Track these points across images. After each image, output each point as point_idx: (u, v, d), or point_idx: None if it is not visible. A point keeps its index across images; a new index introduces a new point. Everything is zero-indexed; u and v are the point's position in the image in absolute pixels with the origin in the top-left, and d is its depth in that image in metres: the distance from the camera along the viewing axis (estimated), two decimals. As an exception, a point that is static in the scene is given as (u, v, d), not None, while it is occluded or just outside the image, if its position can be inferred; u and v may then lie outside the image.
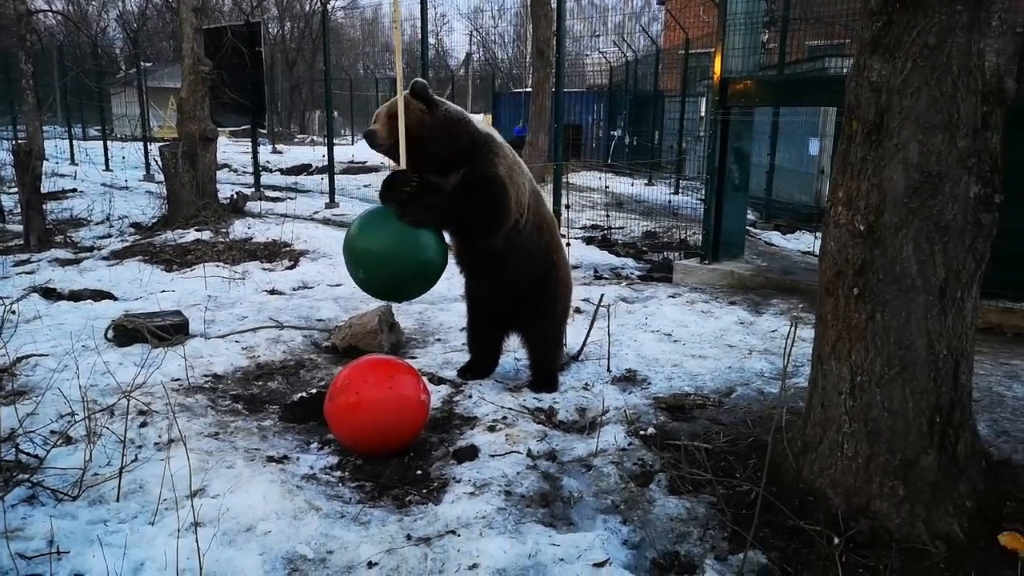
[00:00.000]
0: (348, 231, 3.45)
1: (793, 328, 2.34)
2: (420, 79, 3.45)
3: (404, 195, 3.32)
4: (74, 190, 12.62)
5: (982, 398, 3.59)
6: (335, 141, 12.50)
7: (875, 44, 2.44)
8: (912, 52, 2.35)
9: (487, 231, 3.54)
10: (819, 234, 8.42)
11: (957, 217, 2.38)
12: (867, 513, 2.48)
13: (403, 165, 3.35)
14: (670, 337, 4.88)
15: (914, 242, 2.40)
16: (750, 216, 9.80)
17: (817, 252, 7.66)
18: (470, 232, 3.57)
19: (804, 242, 8.75)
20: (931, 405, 2.45)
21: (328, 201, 11.43)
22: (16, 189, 9.35)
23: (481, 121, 3.64)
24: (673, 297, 5.92)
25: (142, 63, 17.99)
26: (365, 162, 19.28)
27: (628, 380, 4.10)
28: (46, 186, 9.92)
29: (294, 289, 6.29)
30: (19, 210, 8.48)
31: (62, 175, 14.48)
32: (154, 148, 13.72)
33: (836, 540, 2.39)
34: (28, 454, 3.00)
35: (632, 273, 7.15)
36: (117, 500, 2.77)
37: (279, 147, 25.72)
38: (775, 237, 9.13)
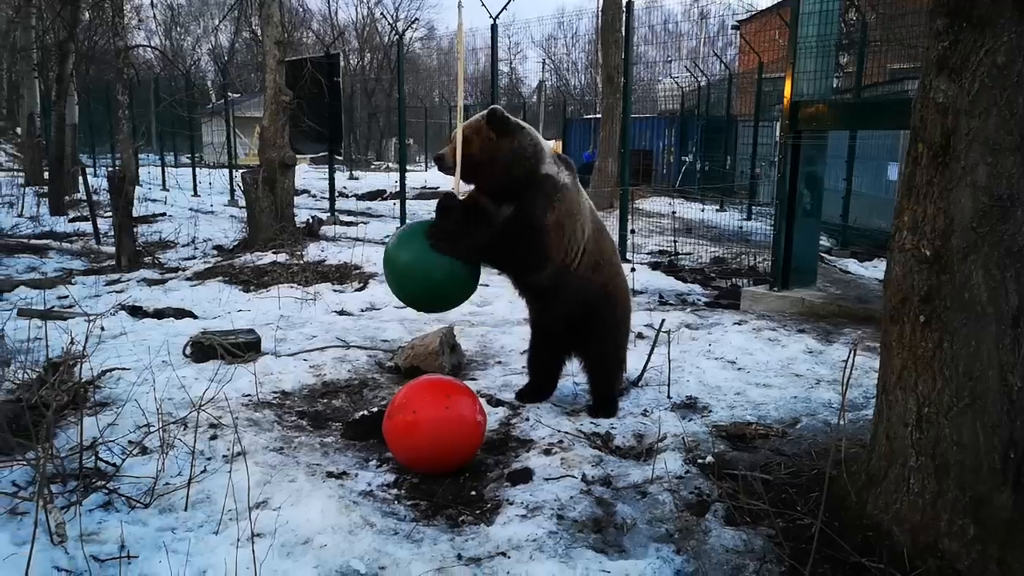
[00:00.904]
0: (389, 242, 3.60)
1: (852, 354, 2.27)
2: (497, 106, 3.54)
3: (443, 221, 3.45)
4: (163, 214, 13.31)
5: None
6: (408, 168, 12.82)
7: (941, 64, 2.38)
8: (980, 72, 2.27)
9: (523, 272, 3.66)
10: (898, 261, 8.10)
11: (1031, 243, 2.27)
12: (935, 552, 2.36)
13: (456, 188, 3.51)
14: (734, 365, 4.77)
15: (984, 268, 2.30)
16: (825, 243, 9.53)
17: (895, 280, 7.40)
18: (505, 270, 3.69)
19: (882, 270, 8.43)
20: (1004, 440, 2.33)
21: (399, 226, 11.70)
22: (111, 213, 9.96)
23: (550, 155, 3.61)
24: (739, 324, 5.79)
25: (230, 94, 18.93)
26: (437, 188, 19.65)
27: (688, 407, 4.04)
28: (138, 210, 10.52)
29: (362, 310, 6.45)
30: (113, 232, 9.01)
31: (153, 200, 15.30)
32: (238, 175, 14.40)
33: (900, 579, 2.29)
34: (106, 462, 3.16)
35: (698, 299, 7.04)
36: (185, 509, 2.89)
37: (356, 173, 26.53)
38: (851, 264, 8.83)
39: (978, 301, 2.32)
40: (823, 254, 8.49)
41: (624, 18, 8.58)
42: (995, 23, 2.22)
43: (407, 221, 11.85)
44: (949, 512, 2.37)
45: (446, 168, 3.53)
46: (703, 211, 13.48)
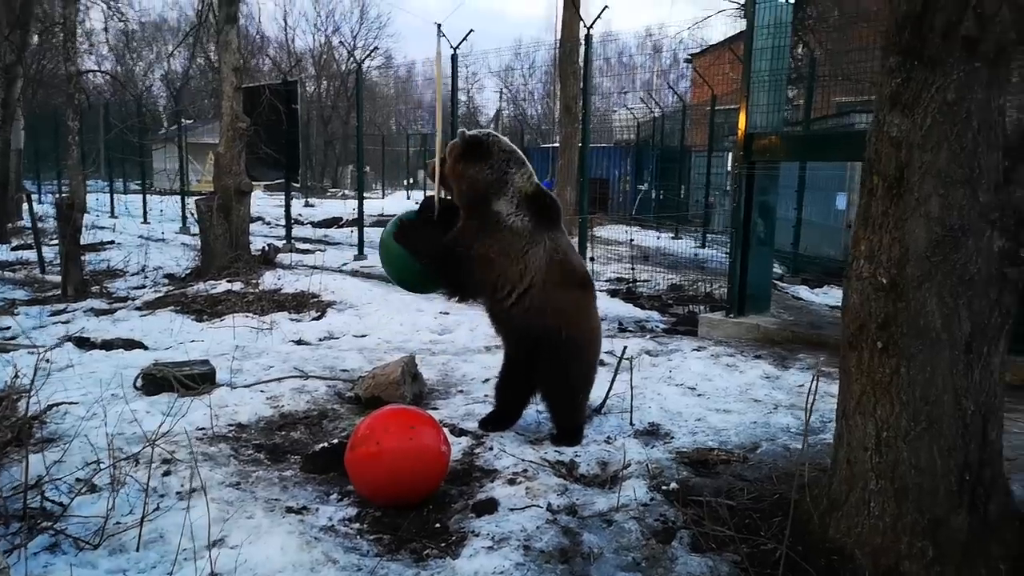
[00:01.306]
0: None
1: (815, 381, 2.31)
2: (472, 133, 3.88)
3: (418, 218, 3.95)
4: (112, 242, 12.98)
5: (1017, 457, 3.47)
6: (366, 195, 12.75)
7: (894, 100, 2.47)
8: (931, 108, 2.36)
9: (453, 290, 3.96)
10: (848, 288, 8.29)
11: (982, 271, 2.36)
12: (895, 574, 2.40)
13: (437, 196, 3.98)
14: (694, 391, 4.82)
15: (938, 296, 2.38)
16: (777, 270, 9.74)
17: (846, 306, 7.59)
18: (443, 284, 3.99)
19: (832, 296, 8.64)
20: (959, 463, 2.39)
21: (357, 253, 11.61)
22: (56, 241, 9.67)
23: (515, 194, 3.76)
24: (698, 350, 5.86)
25: (183, 120, 18.65)
26: (395, 215, 19.59)
27: (651, 434, 4.05)
28: (85, 238, 10.22)
29: (320, 339, 6.35)
30: (59, 261, 8.74)
31: (102, 227, 14.92)
32: (191, 202, 14.15)
33: (864, 603, 2.31)
34: (53, 501, 3.03)
35: (657, 326, 7.12)
36: (137, 549, 2.78)
37: (312, 200, 26.26)
38: (803, 291, 9.04)
39: (933, 328, 2.39)
40: (775, 281, 8.67)
41: (583, 50, 8.72)
42: (945, 62, 2.31)
43: (364, 249, 11.77)
44: (909, 534, 2.42)
45: (429, 175, 4.07)
46: (659, 239, 13.69)
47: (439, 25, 3.84)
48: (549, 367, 3.80)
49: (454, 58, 10.72)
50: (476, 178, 3.71)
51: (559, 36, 16.98)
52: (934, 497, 2.39)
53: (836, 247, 10.14)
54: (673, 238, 14.72)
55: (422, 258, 3.85)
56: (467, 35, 10.30)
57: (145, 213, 17.57)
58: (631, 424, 4.15)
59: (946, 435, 2.38)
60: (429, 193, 4.23)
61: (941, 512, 2.38)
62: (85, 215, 8.76)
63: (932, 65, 2.37)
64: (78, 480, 3.27)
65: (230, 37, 9.78)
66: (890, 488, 2.46)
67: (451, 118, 10.80)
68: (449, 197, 3.99)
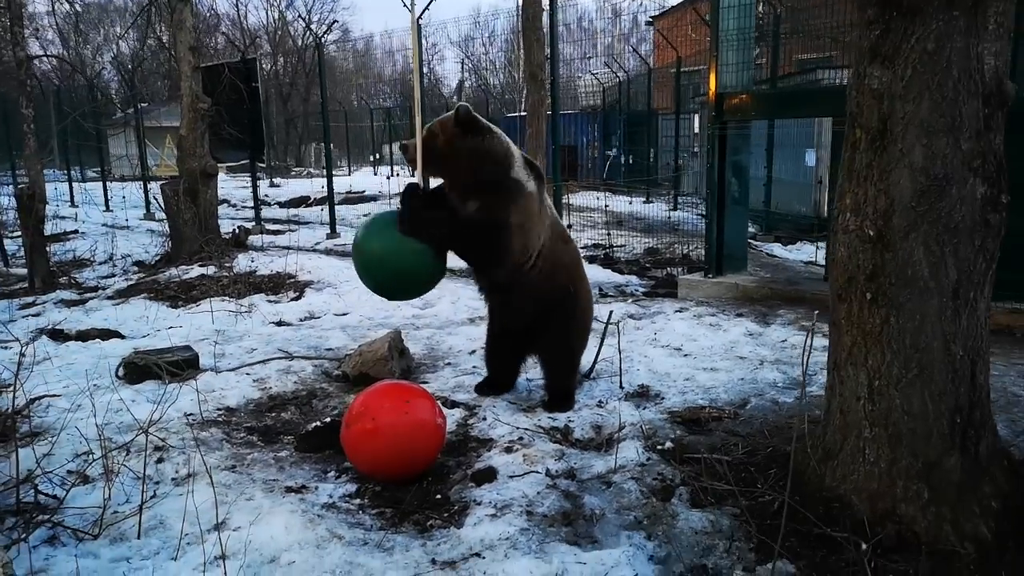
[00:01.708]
0: (358, 230, 3.72)
1: (810, 337, 2.35)
2: (465, 104, 3.61)
3: (411, 205, 3.56)
4: (76, 231, 12.67)
5: (998, 399, 3.59)
6: (333, 172, 12.57)
7: (874, 52, 2.48)
8: (912, 59, 2.38)
9: (484, 266, 3.74)
10: (820, 244, 8.42)
11: (966, 218, 2.40)
12: (893, 517, 2.47)
13: (418, 179, 3.61)
14: (680, 351, 4.88)
15: (924, 245, 2.42)
16: (750, 229, 9.85)
17: (819, 262, 7.71)
18: (468, 262, 3.75)
19: (805, 252, 8.78)
20: (951, 406, 2.45)
21: (329, 232, 11.48)
22: (19, 233, 9.40)
23: (520, 161, 3.67)
24: (680, 312, 5.92)
25: (141, 104, 18.15)
26: (363, 192, 19.38)
27: (642, 396, 4.10)
28: (48, 229, 9.95)
29: (301, 320, 6.30)
30: (22, 253, 8.52)
31: (63, 217, 14.53)
32: (154, 187, 13.81)
33: (864, 546, 2.38)
34: (47, 495, 2.99)
35: (637, 290, 7.17)
36: (138, 537, 2.76)
37: (276, 180, 25.83)
38: (776, 248, 9.16)
39: (920, 276, 2.44)
40: (750, 240, 8.77)
41: (548, 15, 8.63)
42: (924, 11, 2.33)
43: (337, 227, 11.64)
44: (904, 478, 2.49)
45: (409, 158, 3.65)
46: (631, 203, 13.75)
47: (409, -5, 3.68)
48: (555, 327, 3.86)
49: (417, 26, 10.55)
50: (491, 149, 3.57)
51: (520, 2, 16.78)
52: (927, 441, 2.46)
53: (807, 203, 10.27)
54: (645, 202, 14.78)
55: (432, 240, 3.50)
56: (429, 3, 10.13)
57: (107, 200, 17.17)
58: (621, 387, 4.20)
59: (937, 380, 2.45)
60: (406, 179, 4.01)
61: (934, 455, 2.45)
62: (46, 205, 8.52)
63: (911, 15, 2.38)
64: (70, 472, 3.22)
65: (184, 16, 9.49)
66: (884, 435, 2.52)
67: (418, 88, 10.65)
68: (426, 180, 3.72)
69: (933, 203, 2.40)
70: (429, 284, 3.69)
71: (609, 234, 9.89)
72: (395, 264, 3.52)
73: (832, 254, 2.71)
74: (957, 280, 2.42)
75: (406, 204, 3.58)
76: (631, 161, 18.90)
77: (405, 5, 10.00)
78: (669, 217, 11.97)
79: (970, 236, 2.42)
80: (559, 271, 3.84)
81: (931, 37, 2.34)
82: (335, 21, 20.80)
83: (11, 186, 12.51)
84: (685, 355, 4.80)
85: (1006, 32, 2.42)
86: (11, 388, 3.96)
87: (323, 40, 11.86)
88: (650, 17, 28.19)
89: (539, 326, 3.86)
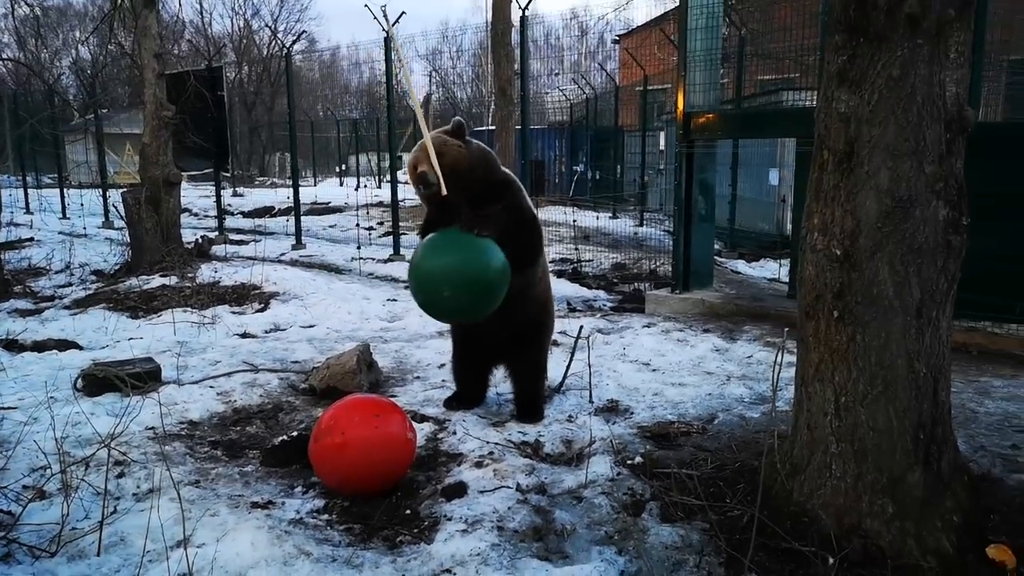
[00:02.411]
0: (414, 260, 3.51)
1: (780, 354, 2.39)
2: (458, 118, 3.63)
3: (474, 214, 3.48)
4: (31, 239, 12.33)
5: (957, 415, 3.67)
6: (298, 183, 12.46)
7: (841, 77, 2.55)
8: (878, 84, 2.45)
9: (524, 261, 3.63)
10: (783, 262, 8.55)
11: (929, 239, 2.47)
12: (859, 532, 2.51)
13: (441, 187, 3.46)
14: (648, 366, 4.92)
15: (889, 265, 2.48)
16: (715, 246, 10.00)
17: (782, 279, 7.85)
18: (513, 261, 3.52)
19: (769, 270, 8.93)
20: (914, 422, 2.51)
21: (295, 242, 11.37)
22: (-29, 239, 9.13)
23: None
24: (648, 327, 5.98)
25: (101, 110, 17.78)
26: (328, 203, 19.24)
27: (611, 410, 4.12)
28: (2, 236, 9.69)
29: (266, 332, 6.21)
30: (-25, 261, 8.25)
31: (18, 224, 14.15)
32: (114, 195, 13.52)
33: (831, 560, 2.42)
34: (1, 511, 2.89)
35: (604, 305, 7.22)
36: (98, 554, 2.68)
37: (240, 190, 25.52)
38: (740, 265, 9.31)
39: (886, 295, 2.50)
40: (715, 256, 8.90)
41: (519, 31, 8.70)
42: (890, 38, 2.40)
43: (302, 238, 11.52)
44: (869, 493, 2.53)
45: (429, 184, 3.46)
46: (597, 219, 13.87)
47: (384, 8, 3.66)
48: (529, 337, 3.91)
49: (387, 40, 10.54)
50: (482, 151, 3.63)
51: (490, 17, 16.89)
52: (892, 456, 2.51)
53: (770, 222, 10.47)
54: (611, 218, 14.91)
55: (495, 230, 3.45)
56: (400, 16, 10.13)
57: (64, 208, 16.77)
58: (591, 402, 4.21)
59: (901, 397, 2.50)
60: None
61: (899, 470, 2.50)
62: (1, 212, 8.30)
63: (877, 42, 2.45)
64: (25, 487, 3.12)
65: (149, 22, 9.36)
66: (850, 450, 2.57)
67: (388, 99, 10.63)
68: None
69: (898, 224, 2.46)
70: (503, 284, 3.46)
71: (577, 249, 9.95)
72: (482, 274, 3.36)
73: (800, 272, 2.76)
74: (921, 299, 2.49)
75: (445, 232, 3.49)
76: (598, 177, 19.08)
77: (384, 28, 10.02)
78: (635, 233, 12.10)
79: (933, 257, 2.49)
80: (546, 275, 3.99)
81: (896, 64, 2.42)
82: (303, 31, 20.66)
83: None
84: (653, 370, 4.84)
85: (966, 61, 2.51)
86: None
87: (291, 50, 11.78)
88: (616, 36, 28.60)
89: (524, 332, 3.88)
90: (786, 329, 2.77)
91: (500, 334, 3.87)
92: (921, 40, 2.41)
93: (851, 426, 2.57)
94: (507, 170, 3.75)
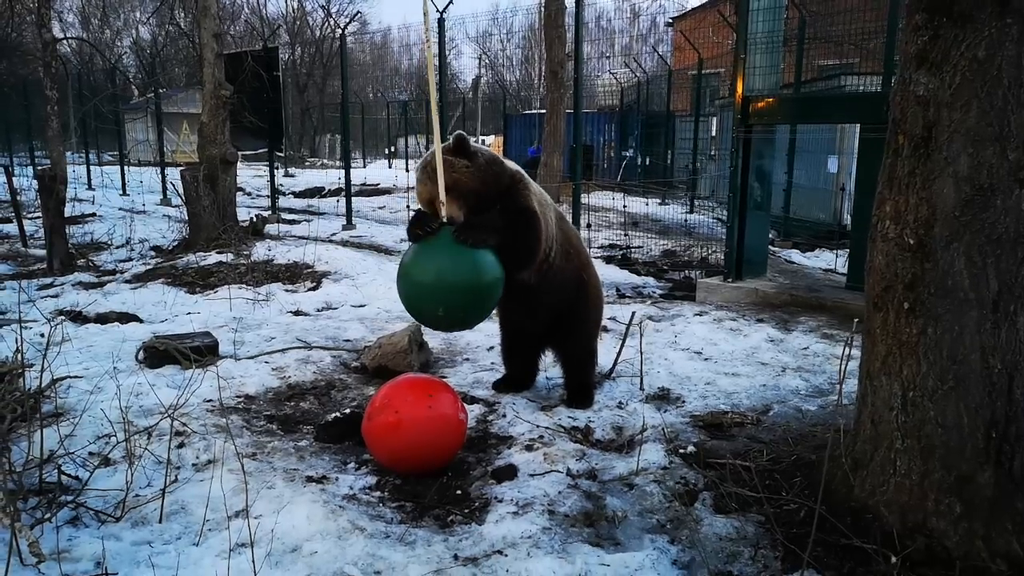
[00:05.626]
0: (402, 268, 3.38)
1: (848, 347, 2.32)
2: (460, 132, 3.49)
3: (439, 226, 3.31)
4: (93, 215, 12.72)
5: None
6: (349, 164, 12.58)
7: (921, 58, 2.44)
8: (961, 66, 2.34)
9: (522, 262, 3.50)
10: (839, 252, 8.33)
11: (1010, 230, 2.36)
12: (923, 531, 2.44)
13: (443, 215, 3.33)
14: (701, 355, 4.85)
15: (966, 255, 2.38)
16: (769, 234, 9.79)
17: (838, 270, 7.65)
18: (510, 261, 3.44)
19: (824, 260, 8.72)
20: (986, 420, 2.41)
21: (345, 223, 11.49)
22: (37, 214, 9.45)
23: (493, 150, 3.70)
24: (700, 315, 5.89)
25: (161, 89, 18.21)
26: (378, 184, 19.41)
27: (662, 398, 4.08)
28: (66, 211, 10.01)
29: (319, 310, 6.30)
30: (41, 234, 8.55)
31: (81, 200, 14.61)
32: (171, 173, 13.84)
33: (893, 559, 2.35)
34: (69, 475, 2.99)
35: (654, 292, 7.13)
36: (160, 521, 2.76)
37: (291, 170, 25.90)
38: (795, 255, 9.10)
39: (960, 287, 2.40)
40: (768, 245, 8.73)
41: (575, 11, 8.59)
42: (976, 18, 2.29)
43: (352, 219, 11.65)
44: (935, 492, 2.45)
45: (429, 202, 3.41)
46: (647, 205, 13.70)
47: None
48: (571, 318, 3.83)
49: (440, 22, 10.53)
50: (487, 158, 3.54)
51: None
52: (961, 455, 2.42)
53: (827, 211, 10.20)
54: (660, 204, 14.72)
55: (495, 239, 3.33)
56: (449, 2, 10.10)
57: (124, 185, 17.25)
58: (641, 389, 4.17)
59: (973, 393, 2.41)
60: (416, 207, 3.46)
61: (968, 469, 2.41)
62: (66, 187, 8.56)
63: (962, 22, 2.34)
64: (91, 454, 3.23)
65: (209, 2, 9.51)
66: (916, 447, 2.49)
67: (441, 84, 10.64)
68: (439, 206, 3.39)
69: (977, 213, 2.36)
70: (496, 291, 3.37)
71: (627, 235, 9.85)
72: (474, 281, 3.24)
73: (868, 262, 2.67)
74: (998, 292, 2.39)
75: (428, 226, 3.34)
76: (647, 162, 18.83)
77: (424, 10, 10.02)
78: (685, 220, 11.91)
79: (1013, 248, 2.38)
80: (571, 252, 3.83)
81: (982, 44, 2.30)
82: (358, 12, 20.79)
83: (30, 167, 12.59)
84: (706, 359, 4.77)
85: (1057, 42, 2.38)
86: (33, 368, 3.99)
87: (345, 32, 11.86)
88: (670, 18, 28.10)
89: (561, 318, 3.83)
90: (855, 320, 2.67)
91: (533, 326, 3.86)
92: (1010, 19, 2.29)
93: (918, 422, 2.48)
94: (511, 164, 3.65)
